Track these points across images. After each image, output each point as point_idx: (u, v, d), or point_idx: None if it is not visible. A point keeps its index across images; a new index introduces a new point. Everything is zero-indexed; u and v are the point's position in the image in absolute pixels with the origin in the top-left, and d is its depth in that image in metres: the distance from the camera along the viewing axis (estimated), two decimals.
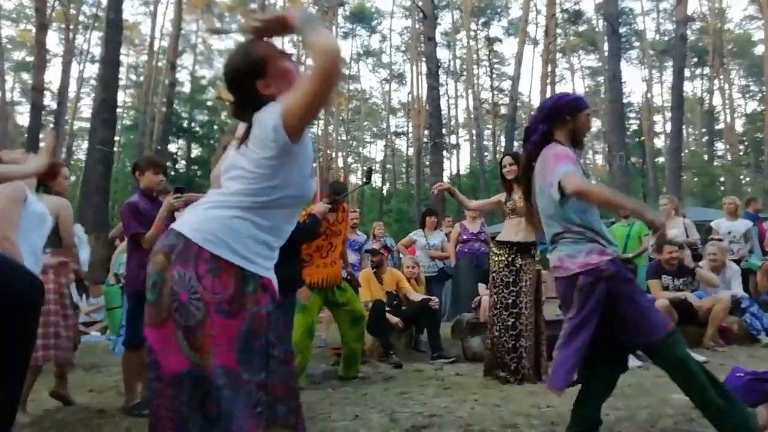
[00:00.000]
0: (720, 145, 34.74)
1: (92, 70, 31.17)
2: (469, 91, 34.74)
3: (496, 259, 4.21)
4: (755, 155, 31.98)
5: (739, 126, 34.40)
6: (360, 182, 34.46)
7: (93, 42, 30.73)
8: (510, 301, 4.08)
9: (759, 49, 32.19)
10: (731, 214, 6.90)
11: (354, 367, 4.35)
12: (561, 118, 2.50)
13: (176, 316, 1.41)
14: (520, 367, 3.99)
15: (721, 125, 34.16)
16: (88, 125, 25.17)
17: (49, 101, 26.35)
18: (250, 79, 1.57)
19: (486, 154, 33.09)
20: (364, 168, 37.91)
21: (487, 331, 4.53)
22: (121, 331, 5.80)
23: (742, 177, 31.85)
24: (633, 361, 4.46)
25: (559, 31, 28.16)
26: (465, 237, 6.88)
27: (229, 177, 1.58)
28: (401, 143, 40.33)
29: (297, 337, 3.77)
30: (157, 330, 1.44)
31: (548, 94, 23.86)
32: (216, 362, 1.39)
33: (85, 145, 25.80)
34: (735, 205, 6.99)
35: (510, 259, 4.14)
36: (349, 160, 39.79)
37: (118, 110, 20.32)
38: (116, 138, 19.52)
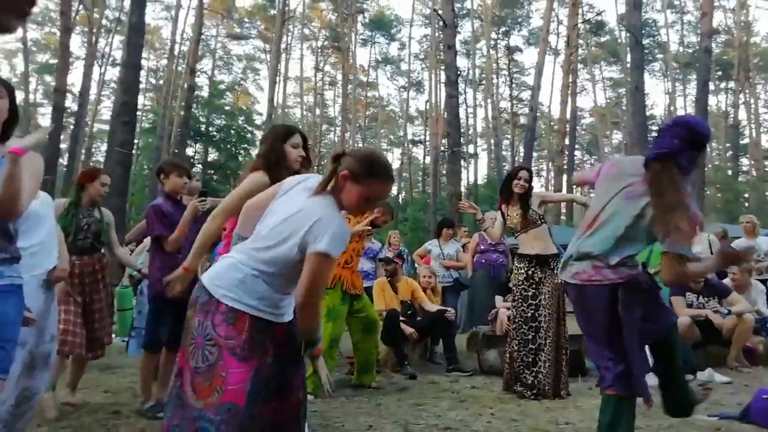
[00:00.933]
0: (745, 161, 34.15)
1: (113, 73, 31.75)
2: (488, 101, 34.66)
3: (516, 273, 4.19)
4: None
5: (765, 141, 33.86)
6: None
7: (115, 45, 31.33)
8: (529, 314, 4.03)
9: None
10: (749, 232, 6.76)
11: (369, 374, 4.30)
12: (695, 146, 2.17)
13: (190, 359, 1.60)
14: (537, 382, 3.90)
15: (746, 140, 33.60)
16: (107, 127, 25.63)
17: (70, 103, 26.87)
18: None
19: (504, 164, 32.91)
20: None
21: (504, 345, 4.46)
22: (133, 332, 5.82)
23: (767, 193, 31.24)
24: (653, 379, 4.35)
25: (580, 41, 28.01)
26: (483, 247, 6.80)
27: (262, 237, 1.74)
28: (418, 152, 40.35)
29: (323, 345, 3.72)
30: (185, 365, 1.66)
31: (569, 105, 23.70)
32: (223, 399, 1.55)
33: (104, 147, 26.18)
34: (753, 224, 6.85)
35: (529, 272, 4.10)
36: None
37: (137, 113, 20.61)
38: (135, 141, 19.80)
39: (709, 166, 27.31)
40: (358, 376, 4.30)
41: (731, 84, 33.83)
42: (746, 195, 28.52)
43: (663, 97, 38.89)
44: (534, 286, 4.05)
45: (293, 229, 1.66)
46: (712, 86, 27.62)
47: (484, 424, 3.20)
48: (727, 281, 5.62)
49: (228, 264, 1.73)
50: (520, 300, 4.09)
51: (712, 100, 29.37)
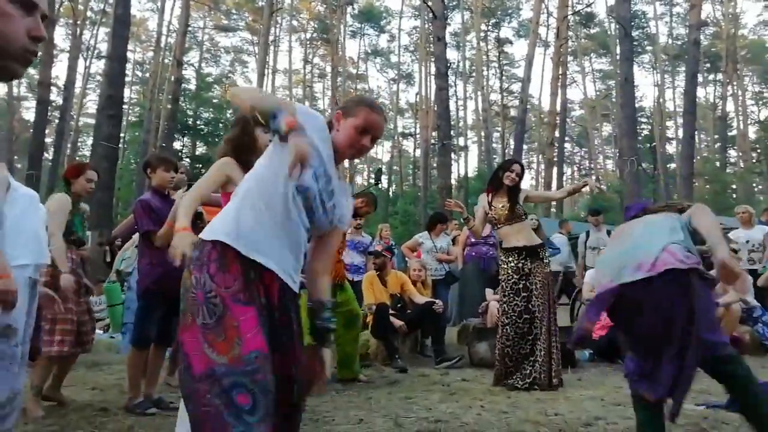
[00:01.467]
0: (732, 152, 34.46)
1: (98, 65, 31.31)
2: (479, 93, 34.63)
3: (505, 266, 4.17)
4: (767, 163, 31.71)
5: (752, 133, 34.13)
6: (368, 183, 34.46)
7: (100, 37, 30.96)
8: (522, 306, 4.03)
9: None
10: (746, 223, 6.78)
11: (350, 368, 4.28)
12: None
13: (197, 318, 1.49)
14: (534, 371, 3.91)
15: (734, 132, 33.88)
16: (93, 121, 25.35)
17: (55, 96, 26.53)
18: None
19: (495, 156, 32.95)
20: (372, 169, 37.99)
21: (494, 338, 4.46)
22: (124, 328, 5.77)
23: (754, 184, 31.56)
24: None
25: (570, 33, 28.03)
26: (473, 240, 6.81)
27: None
28: (408, 144, 40.30)
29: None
30: (185, 333, 1.52)
31: (558, 97, 23.75)
32: (246, 349, 1.45)
33: (90, 141, 25.85)
34: (749, 213, 6.87)
35: (519, 264, 4.10)
36: (356, 161, 39.77)
37: (124, 107, 20.39)
38: (121, 134, 19.58)
39: (698, 157, 27.49)
40: (340, 370, 4.29)
41: (719, 76, 34.07)
42: (734, 186, 28.79)
43: (652, 89, 39.16)
44: (524, 278, 4.06)
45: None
46: (700, 78, 27.76)
47: (474, 417, 3.20)
48: (715, 272, 5.64)
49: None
50: (511, 294, 4.07)
51: (700, 92, 29.56)
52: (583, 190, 4.62)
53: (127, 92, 25.44)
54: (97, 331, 7.35)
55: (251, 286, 1.54)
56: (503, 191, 4.22)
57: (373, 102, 1.81)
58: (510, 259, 4.13)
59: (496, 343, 4.21)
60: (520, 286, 4.05)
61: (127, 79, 24.18)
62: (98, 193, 11.33)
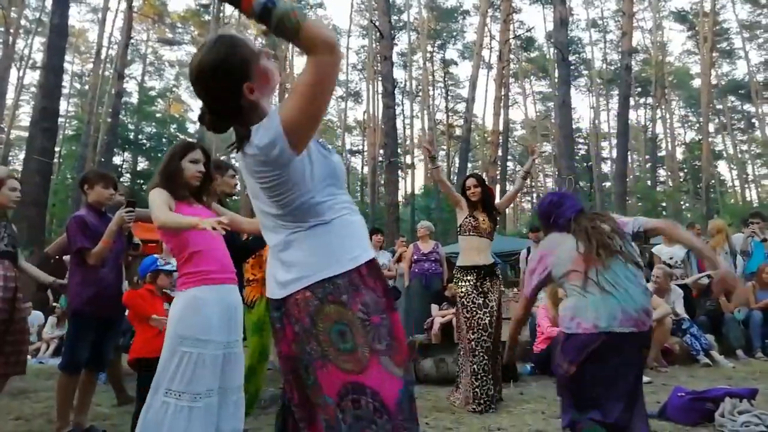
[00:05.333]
0: (662, 172, 36.46)
1: (33, 76, 29.99)
2: (425, 112, 35.27)
3: (463, 284, 4.10)
4: (694, 182, 33.70)
5: (679, 154, 36.26)
6: None
7: (35, 47, 29.64)
8: (486, 321, 3.98)
9: (696, 82, 34.20)
10: (670, 240, 7.11)
11: None
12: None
13: (376, 345, 1.40)
14: (496, 392, 3.92)
15: (663, 153, 35.90)
16: (26, 134, 24.10)
17: None
18: (236, 80, 1.40)
19: (440, 164, 33.46)
20: None
21: (439, 354, 4.48)
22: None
23: (682, 202, 33.43)
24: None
25: (512, 56, 29.06)
26: (416, 257, 6.87)
27: (267, 225, 1.52)
28: (356, 161, 40.44)
29: (250, 360, 3.53)
30: (370, 371, 1.39)
31: (501, 117, 24.50)
32: (405, 354, 1.46)
33: (22, 155, 24.58)
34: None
35: (477, 282, 4.08)
36: None
37: (60, 120, 19.47)
38: (57, 148, 18.71)
39: (630, 176, 28.95)
40: None
41: (650, 100, 36.13)
42: (663, 204, 30.41)
43: (588, 111, 40.96)
44: (483, 295, 4.05)
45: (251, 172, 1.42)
46: (632, 102, 29.37)
47: None
48: (649, 285, 5.93)
49: (301, 246, 1.45)
50: (474, 309, 4.01)
51: (632, 115, 31.20)
52: (535, 160, 4.69)
53: (63, 105, 24.47)
54: None
55: (384, 287, 1.51)
56: (479, 207, 4.23)
57: (237, 38, 1.54)
58: (469, 277, 4.10)
59: (465, 362, 4.03)
60: (480, 301, 4.03)
61: (65, 91, 23.23)
62: (30, 209, 10.79)
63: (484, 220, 4.18)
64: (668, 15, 35.40)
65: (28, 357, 6.88)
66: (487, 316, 3.99)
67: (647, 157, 36.47)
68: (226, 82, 1.40)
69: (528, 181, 4.90)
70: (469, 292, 4.05)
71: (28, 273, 3.52)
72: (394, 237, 9.75)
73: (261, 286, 4.00)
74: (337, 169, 1.53)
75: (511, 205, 38.86)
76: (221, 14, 27.30)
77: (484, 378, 3.85)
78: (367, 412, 1.37)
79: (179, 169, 2.45)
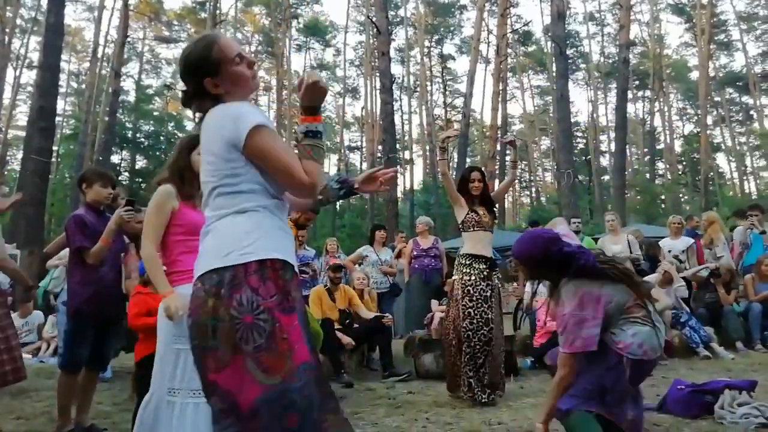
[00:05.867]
0: (661, 165, 36.48)
1: (30, 76, 29.91)
2: (423, 107, 35.24)
3: (472, 271, 4.00)
4: (692, 174, 33.73)
5: (677, 146, 36.26)
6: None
7: (31, 47, 29.57)
8: (489, 315, 3.94)
9: (694, 75, 34.17)
10: (676, 232, 7.12)
11: None
12: None
13: (243, 346, 1.38)
14: (496, 383, 3.92)
15: (662, 145, 35.90)
16: (23, 134, 24.08)
17: None
18: (199, 73, 1.59)
19: (439, 169, 33.46)
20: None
21: (439, 349, 4.48)
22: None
23: (681, 195, 33.45)
24: None
25: (509, 50, 29.00)
26: (416, 252, 6.86)
27: (212, 193, 1.56)
28: (355, 157, 40.41)
29: None
30: (226, 371, 1.39)
31: (499, 112, 24.46)
32: (296, 362, 1.40)
33: (20, 155, 24.56)
34: (681, 225, 7.24)
35: (486, 273, 4.02)
36: None
37: (58, 119, 19.43)
38: (54, 148, 18.68)
39: (629, 170, 28.93)
40: None
41: (647, 93, 36.11)
42: (662, 197, 30.43)
43: (587, 105, 40.97)
44: (490, 287, 4.00)
45: (213, 151, 1.53)
46: (630, 95, 29.34)
47: (420, 429, 3.22)
48: (655, 276, 5.92)
49: (214, 233, 1.52)
50: (480, 300, 3.94)
51: (630, 108, 31.11)
52: (515, 147, 4.68)
53: (61, 104, 24.41)
54: (26, 355, 6.95)
55: (290, 288, 1.48)
56: (478, 200, 4.21)
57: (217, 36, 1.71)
58: (477, 265, 4.03)
59: (450, 353, 4.05)
60: (488, 294, 3.97)
61: (62, 90, 23.18)
62: (29, 209, 10.79)
63: (484, 213, 4.16)
64: (666, 7, 35.34)
65: (28, 356, 6.90)
66: (490, 311, 3.94)
67: (646, 150, 36.48)
68: (193, 73, 1.61)
69: (518, 169, 4.85)
70: (478, 282, 3.96)
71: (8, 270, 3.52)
72: (393, 233, 9.74)
73: None
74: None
75: (510, 199, 38.89)
76: (217, 11, 27.22)
77: (479, 369, 3.86)
78: (216, 412, 1.40)
79: (189, 162, 2.45)
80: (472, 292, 3.96)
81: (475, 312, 3.93)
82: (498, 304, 4.07)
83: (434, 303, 5.77)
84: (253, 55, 36.74)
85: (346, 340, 5.04)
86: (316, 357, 1.52)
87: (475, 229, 4.11)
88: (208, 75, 1.58)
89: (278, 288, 1.45)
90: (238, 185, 1.51)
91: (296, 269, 1.56)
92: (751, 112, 35.45)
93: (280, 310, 1.43)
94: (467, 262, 4.05)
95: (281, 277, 1.47)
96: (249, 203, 1.51)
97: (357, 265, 6.95)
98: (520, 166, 4.87)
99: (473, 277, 3.99)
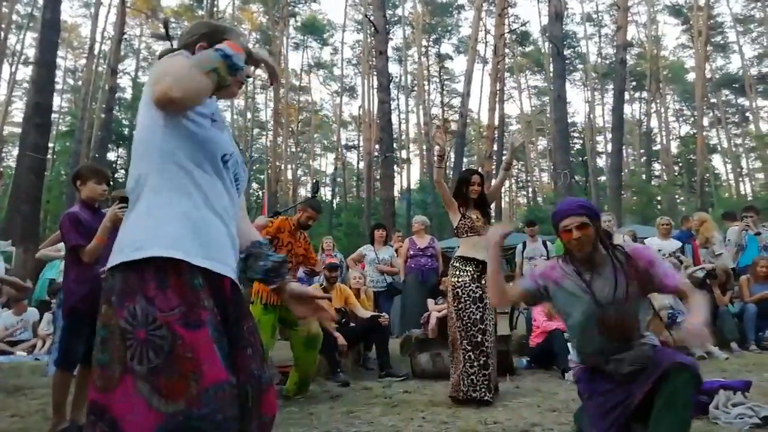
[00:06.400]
0: (657, 166, 36.58)
1: (26, 72, 29.79)
2: (420, 107, 35.24)
3: (462, 274, 4.08)
4: (688, 176, 33.83)
5: (674, 148, 36.40)
6: (307, 196, 34.19)
7: (27, 42, 29.44)
8: (478, 316, 3.96)
9: (691, 76, 34.26)
10: (665, 234, 7.15)
11: (304, 388, 4.22)
12: None
13: (134, 365, 1.17)
14: (492, 385, 3.91)
15: (658, 146, 36.00)
16: (19, 130, 23.98)
17: None
18: (203, 36, 1.48)
19: (434, 178, 33.45)
20: (313, 181, 37.67)
21: (436, 348, 4.49)
22: (51, 348, 5.44)
23: (677, 196, 33.57)
24: None
25: (507, 51, 29.02)
26: (412, 252, 6.87)
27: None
28: (352, 156, 40.41)
29: None
30: (114, 392, 1.17)
31: (496, 112, 24.49)
32: (205, 383, 1.18)
33: (15, 151, 24.45)
34: (670, 226, 7.28)
35: (475, 275, 4.06)
36: (299, 172, 39.50)
37: (54, 115, 19.34)
38: (50, 144, 18.60)
39: (625, 170, 29.03)
40: (297, 388, 4.21)
41: (644, 94, 36.20)
42: (659, 198, 30.52)
43: (584, 106, 41.05)
44: (481, 289, 4.03)
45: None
46: (627, 96, 29.39)
47: (416, 428, 3.22)
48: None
49: (125, 228, 1.32)
50: (468, 302, 3.99)
51: (627, 109, 31.24)
52: (515, 145, 4.72)
53: (57, 100, 24.29)
54: (20, 353, 6.93)
55: (199, 297, 1.24)
56: (472, 204, 4.22)
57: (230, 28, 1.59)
58: (468, 268, 4.09)
59: (450, 355, 4.09)
60: (477, 295, 4.01)
61: (58, 86, 23.08)
62: (24, 206, 10.75)
63: (477, 218, 4.19)
64: (663, 9, 35.45)
65: (23, 353, 6.88)
66: (479, 311, 3.98)
67: (642, 151, 36.57)
68: (199, 32, 1.49)
69: (510, 171, 4.87)
70: (467, 284, 4.03)
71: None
72: (390, 232, 9.75)
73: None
74: (210, 144, 1.36)
75: (507, 200, 38.95)
76: (215, 9, 27.16)
77: (472, 369, 3.87)
78: None
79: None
80: (461, 294, 4.03)
81: (464, 313, 4.00)
82: (492, 307, 4.08)
83: (430, 302, 5.77)
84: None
85: (341, 341, 5.04)
86: (232, 373, 1.25)
87: (469, 234, 4.17)
88: (206, 41, 1.45)
89: (182, 297, 1.22)
90: (149, 153, 1.33)
91: (218, 270, 1.31)
92: (747, 114, 35.57)
93: (182, 325, 1.19)
94: (458, 265, 4.14)
95: (187, 283, 1.24)
96: (158, 179, 1.30)
97: (356, 263, 6.95)
98: (516, 166, 4.90)
99: (462, 279, 4.06)
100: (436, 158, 4.38)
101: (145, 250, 1.23)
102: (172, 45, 1.53)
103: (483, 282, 4.04)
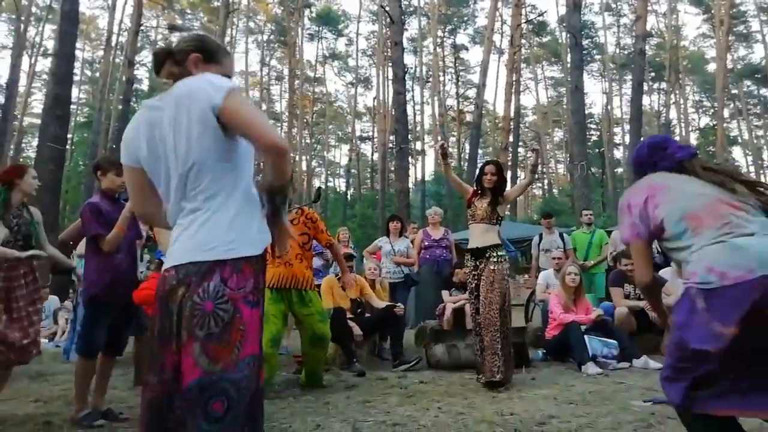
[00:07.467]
0: None
1: (45, 64, 30.15)
2: (435, 98, 35.05)
3: (466, 268, 4.33)
4: None
5: (693, 139, 35.82)
6: (309, 200, 34.40)
7: (46, 35, 29.76)
8: (478, 306, 4.14)
9: (711, 67, 33.64)
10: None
11: (314, 383, 4.24)
12: None
13: (196, 331, 1.42)
14: (491, 367, 3.98)
15: (677, 138, 35.41)
16: (39, 121, 24.32)
17: None
18: (199, 47, 1.65)
19: (451, 160, 33.30)
20: (318, 186, 37.82)
21: (450, 339, 4.54)
22: (73, 336, 5.55)
23: None
24: (593, 368, 4.52)
25: (523, 41, 28.73)
26: (427, 243, 6.86)
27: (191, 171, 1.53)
28: (366, 148, 40.38)
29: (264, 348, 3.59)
30: (180, 353, 1.45)
31: (512, 103, 24.28)
32: (243, 354, 1.44)
33: (35, 142, 24.82)
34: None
35: (472, 265, 4.24)
36: (313, 163, 39.56)
37: (72, 107, 19.57)
38: (69, 135, 18.84)
39: None
40: (306, 380, 4.25)
41: (663, 85, 35.64)
42: None
43: (601, 97, 40.51)
44: (476, 277, 4.19)
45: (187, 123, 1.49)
46: (645, 87, 28.95)
47: (432, 419, 3.23)
48: (670, 269, 5.82)
49: (196, 228, 1.51)
50: (470, 293, 4.24)
51: (645, 100, 30.81)
52: (538, 148, 4.93)
53: (75, 92, 24.60)
54: (42, 340, 7.06)
55: (259, 282, 1.53)
56: (487, 193, 4.30)
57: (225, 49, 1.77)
58: (467, 259, 4.30)
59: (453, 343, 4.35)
60: (473, 285, 4.21)
61: (76, 78, 23.31)
62: (44, 195, 10.90)
63: (480, 206, 4.27)
64: None
65: (45, 340, 7.01)
66: (477, 300, 4.14)
67: None
68: (195, 45, 1.68)
69: (536, 175, 4.96)
70: (468, 276, 4.27)
71: (50, 256, 3.58)
72: (405, 223, 9.75)
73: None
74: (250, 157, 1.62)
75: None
76: (230, 0, 27.18)
77: (496, 353, 3.99)
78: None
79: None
80: (469, 286, 4.29)
81: (471, 306, 4.24)
82: (485, 289, 4.10)
83: (445, 294, 5.77)
84: (265, 44, 36.68)
85: (356, 332, 5.06)
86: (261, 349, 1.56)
87: (470, 222, 4.35)
88: (201, 53, 1.62)
89: (248, 281, 1.48)
90: (230, 162, 1.52)
91: (265, 254, 1.59)
92: None
93: (245, 302, 1.46)
94: (466, 257, 4.36)
95: (254, 271, 1.51)
96: (232, 187, 1.52)
97: (371, 255, 6.96)
98: (529, 167, 5.02)
99: (468, 274, 4.30)
100: (440, 157, 4.46)
101: (237, 251, 1.49)
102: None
103: (479, 270, 4.17)
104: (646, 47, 21.20)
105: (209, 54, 1.63)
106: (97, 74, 30.92)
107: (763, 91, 35.31)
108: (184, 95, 1.49)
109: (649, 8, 25.76)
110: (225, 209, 1.50)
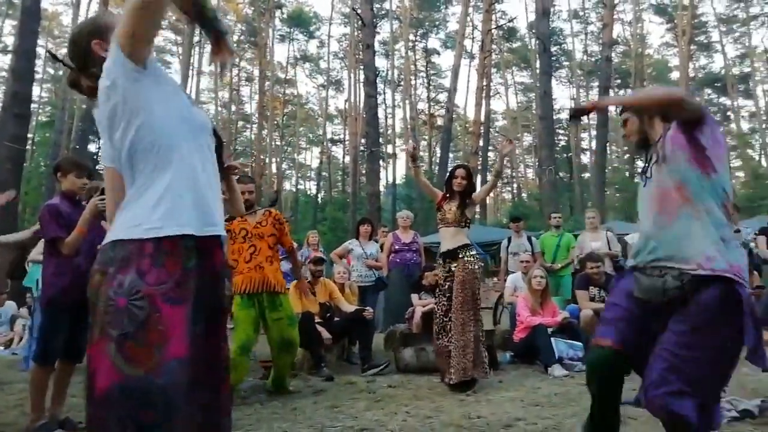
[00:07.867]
0: (640, 163, 36.84)
1: (4, 60, 29.19)
2: (407, 101, 35.19)
3: (438, 271, 4.42)
4: None
5: None
6: (267, 203, 34.20)
7: (6, 30, 28.84)
8: (447, 306, 4.22)
9: (675, 75, 34.67)
10: (593, 229, 7.21)
11: (283, 385, 4.18)
12: None
13: (109, 330, 1.32)
14: (457, 367, 4.01)
15: None
16: None
17: None
18: (88, 37, 1.58)
19: (421, 164, 33.43)
20: (299, 175, 37.52)
21: (419, 343, 4.55)
22: (29, 342, 5.36)
23: None
24: (559, 370, 4.58)
25: (494, 46, 29.10)
26: (397, 247, 6.85)
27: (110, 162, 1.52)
28: (337, 150, 40.25)
29: (233, 354, 3.54)
30: (91, 350, 1.35)
31: (483, 108, 24.55)
32: (168, 356, 1.31)
33: None
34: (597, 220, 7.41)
35: (445, 267, 4.30)
36: (284, 166, 39.24)
37: (33, 105, 19.01)
38: (29, 135, 18.28)
39: (609, 168, 29.29)
40: (273, 385, 4.19)
41: (629, 92, 36.51)
42: None
43: (569, 102, 41.33)
44: (450, 279, 4.24)
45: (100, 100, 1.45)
46: (612, 93, 29.65)
47: (400, 423, 3.22)
48: None
49: (130, 207, 1.44)
50: (440, 294, 4.33)
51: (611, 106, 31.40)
52: (504, 152, 4.83)
53: (36, 90, 23.88)
54: None
55: (188, 276, 1.39)
56: (456, 196, 4.37)
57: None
58: (439, 263, 4.41)
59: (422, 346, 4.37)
60: (446, 287, 4.27)
61: (38, 76, 22.66)
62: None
63: (450, 209, 4.34)
64: (648, 7, 35.75)
65: (0, 348, 6.76)
66: (448, 302, 4.20)
67: (626, 148, 36.89)
68: (83, 41, 1.60)
69: (499, 179, 5.02)
70: (443, 279, 4.32)
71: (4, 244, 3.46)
72: (376, 227, 9.74)
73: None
74: (192, 115, 1.53)
75: (492, 195, 39.10)
76: None
77: (460, 355, 4.05)
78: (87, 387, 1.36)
79: None
80: (440, 288, 4.36)
81: (437, 306, 4.33)
82: (462, 292, 4.14)
83: (414, 297, 5.77)
84: (235, 44, 36.30)
85: (325, 335, 5.01)
86: (194, 355, 1.37)
87: (440, 226, 4.42)
88: (96, 37, 1.57)
89: (171, 276, 1.36)
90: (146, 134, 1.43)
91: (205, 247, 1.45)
92: (728, 113, 36.11)
93: (164, 300, 1.34)
94: (438, 261, 4.45)
95: (183, 264, 1.38)
96: (159, 156, 1.43)
97: (340, 258, 6.92)
98: (492, 172, 5.12)
99: (440, 273, 4.39)
100: (410, 160, 4.52)
101: (162, 229, 1.38)
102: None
103: (451, 271, 4.23)
104: (613, 54, 21.73)
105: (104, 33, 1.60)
106: (61, 72, 30.04)
107: (723, 100, 36.54)
108: None
109: (616, 17, 26.42)
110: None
